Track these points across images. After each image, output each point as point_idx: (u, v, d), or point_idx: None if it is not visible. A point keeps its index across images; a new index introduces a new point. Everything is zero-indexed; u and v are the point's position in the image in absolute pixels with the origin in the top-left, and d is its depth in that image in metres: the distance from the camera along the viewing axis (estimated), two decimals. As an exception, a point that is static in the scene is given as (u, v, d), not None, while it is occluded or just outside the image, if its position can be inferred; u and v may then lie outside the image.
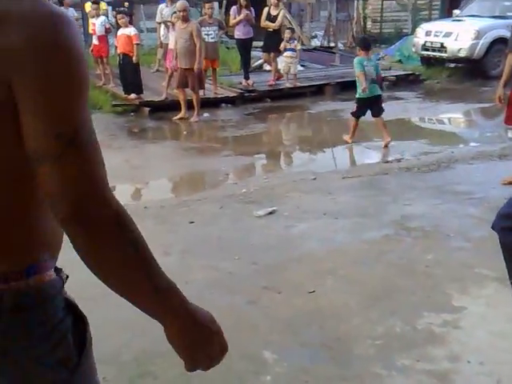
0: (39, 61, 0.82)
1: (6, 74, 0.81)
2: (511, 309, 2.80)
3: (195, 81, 8.21)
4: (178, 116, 8.41)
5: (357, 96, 6.93)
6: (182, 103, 8.40)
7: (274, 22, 10.38)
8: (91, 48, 10.55)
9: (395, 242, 3.84)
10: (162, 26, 10.20)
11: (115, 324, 2.79)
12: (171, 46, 9.06)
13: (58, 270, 1.00)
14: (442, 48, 11.99)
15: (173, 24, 9.05)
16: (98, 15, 10.30)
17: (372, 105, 6.76)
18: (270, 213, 4.47)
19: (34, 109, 0.83)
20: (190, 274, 3.37)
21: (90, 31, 10.63)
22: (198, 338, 1.00)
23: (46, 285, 0.96)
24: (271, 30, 10.42)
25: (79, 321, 1.00)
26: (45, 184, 0.85)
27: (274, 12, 10.42)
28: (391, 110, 9.50)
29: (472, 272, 3.26)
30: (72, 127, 0.85)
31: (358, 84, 6.81)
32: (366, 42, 7.33)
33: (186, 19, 8.26)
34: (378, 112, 6.78)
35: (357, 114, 6.89)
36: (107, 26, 10.43)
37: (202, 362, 1.03)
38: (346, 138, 7.02)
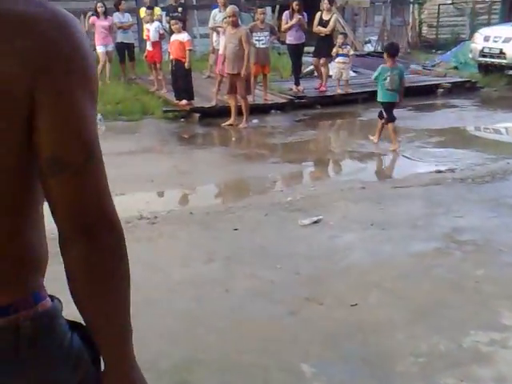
0: (62, 62, 0.81)
1: (29, 74, 0.79)
2: None
3: (243, 86, 8.24)
4: (228, 122, 8.46)
5: (378, 99, 7.31)
6: (232, 109, 8.45)
7: (325, 26, 10.31)
8: (145, 54, 10.78)
9: (445, 255, 3.71)
10: (215, 31, 10.31)
11: (155, 332, 2.81)
12: (221, 51, 9.15)
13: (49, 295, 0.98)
14: (501, 54, 11.59)
15: (224, 29, 9.14)
16: (152, 21, 10.51)
17: (387, 110, 7.08)
18: (316, 222, 4.41)
19: (60, 112, 0.81)
20: (231, 282, 3.37)
21: (145, 37, 10.84)
22: None
23: (51, 309, 0.93)
24: (323, 34, 10.35)
25: (86, 334, 0.96)
26: (59, 194, 0.83)
27: (326, 17, 10.35)
28: (445, 117, 9.28)
29: (525, 290, 3.11)
30: (93, 136, 0.84)
31: (379, 87, 7.16)
32: (394, 49, 7.46)
33: (235, 24, 8.30)
34: (390, 118, 7.09)
35: (382, 116, 7.21)
36: (161, 31, 10.62)
37: None
38: (393, 147, 7.11)
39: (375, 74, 7.25)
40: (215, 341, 2.72)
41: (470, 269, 3.46)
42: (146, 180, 5.85)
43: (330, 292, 3.22)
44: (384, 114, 7.12)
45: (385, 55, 7.35)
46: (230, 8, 8.37)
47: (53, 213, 0.85)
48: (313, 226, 4.34)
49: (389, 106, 7.12)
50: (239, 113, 8.41)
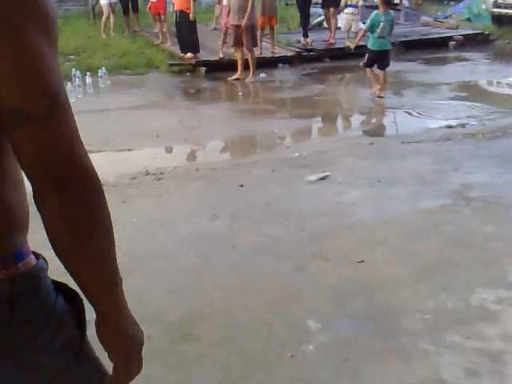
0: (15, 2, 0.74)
1: None
2: None
3: (249, 38, 8.02)
4: (234, 76, 8.30)
5: (369, 47, 7.34)
6: (239, 62, 8.26)
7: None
8: (149, 5, 10.52)
9: (453, 212, 3.66)
10: None
11: (161, 286, 2.81)
12: (225, 2, 8.92)
13: (33, 252, 0.93)
14: (516, 5, 11.23)
15: None
16: (155, -28, 10.21)
17: (380, 58, 7.21)
18: (322, 178, 4.36)
19: (13, 57, 0.73)
20: (237, 239, 3.35)
21: (149, -11, 10.57)
22: (131, 342, 0.95)
23: (35, 268, 0.90)
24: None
25: (72, 298, 0.94)
26: (25, 147, 0.77)
27: (334, -34, 10.02)
28: (457, 71, 9.08)
29: (534, 247, 3.07)
30: (56, 81, 0.78)
31: (370, 35, 7.27)
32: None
33: None
34: (383, 65, 7.24)
35: (368, 64, 7.34)
36: (165, -18, 10.33)
37: (133, 368, 0.97)
38: (377, 92, 7.28)
39: (369, 22, 7.23)
40: (220, 296, 2.72)
41: (478, 226, 3.41)
42: (151, 135, 5.78)
43: (337, 248, 3.20)
44: (365, 59, 7.32)
45: (378, 1, 7.35)
46: None
47: (22, 168, 0.80)
48: (320, 183, 4.29)
49: (384, 54, 7.22)
50: (246, 66, 8.24)
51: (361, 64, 7.62)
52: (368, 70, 7.42)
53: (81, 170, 0.80)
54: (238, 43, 8.16)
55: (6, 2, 0.74)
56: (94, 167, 0.82)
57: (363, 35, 7.63)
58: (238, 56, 8.31)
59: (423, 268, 2.94)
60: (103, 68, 8.28)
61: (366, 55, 7.37)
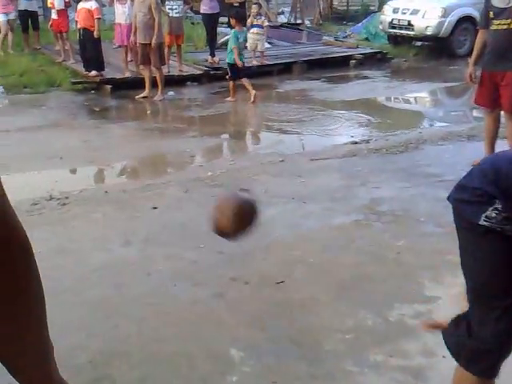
0: None
1: None
2: (484, 298, 2.73)
3: (156, 56, 7.92)
4: (142, 94, 8.11)
5: (229, 61, 8.09)
6: (147, 81, 8.11)
7: (238, -5, 10.15)
8: (50, 23, 10.10)
9: (365, 227, 3.74)
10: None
11: (69, 324, 2.60)
12: (118, 20, 8.81)
13: None
14: (410, 26, 11.91)
15: None
16: (56, -12, 9.83)
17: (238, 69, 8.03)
18: (237, 197, 4.30)
19: None
20: (152, 265, 3.21)
21: (49, 5, 10.13)
22: None
23: None
24: (236, 4, 10.16)
25: None
26: None
27: (238, -14, 10.17)
28: (358, 88, 9.43)
29: (445, 259, 3.17)
30: None
31: (230, 53, 8.01)
32: (241, 14, 8.63)
33: None
34: (244, 75, 8.16)
35: (233, 77, 8.11)
36: (67, 0, 9.96)
37: None
38: (230, 99, 8.16)
39: (233, 39, 7.94)
40: (135, 330, 2.56)
41: (390, 240, 3.50)
42: (54, 157, 5.48)
43: (255, 270, 3.14)
44: (229, 72, 8.08)
45: (233, 21, 8.15)
46: None
47: None
48: (234, 202, 4.23)
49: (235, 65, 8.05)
50: (154, 84, 8.09)
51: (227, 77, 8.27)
52: (232, 82, 8.18)
53: (9, 229, 0.71)
54: (145, 61, 8.02)
55: None
56: (19, 224, 0.73)
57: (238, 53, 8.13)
58: (145, 74, 8.16)
59: (341, 285, 2.95)
60: (0, 87, 7.80)
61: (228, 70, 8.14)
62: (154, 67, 8.02)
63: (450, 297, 2.80)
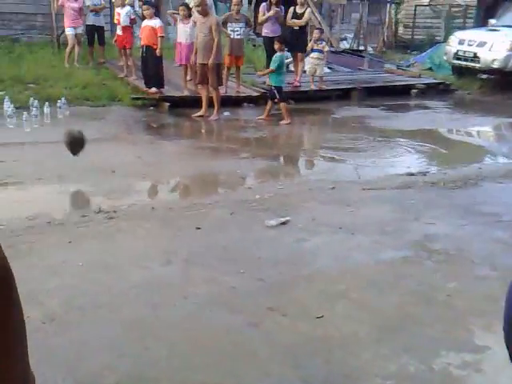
0: None
1: None
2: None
3: (214, 77, 8.00)
4: (198, 113, 8.19)
5: (275, 84, 8.23)
6: (203, 100, 8.19)
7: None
8: (115, 38, 10.40)
9: (415, 265, 3.55)
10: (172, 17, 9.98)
11: (101, 342, 2.57)
12: (179, 39, 8.96)
13: None
14: (475, 58, 11.59)
15: (180, 17, 8.94)
16: (123, 5, 10.13)
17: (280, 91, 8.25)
18: (283, 223, 4.21)
19: None
20: (190, 287, 3.14)
21: (115, 21, 10.46)
22: None
23: None
24: (297, 28, 10.17)
25: None
26: None
27: (299, 10, 10.20)
28: (418, 118, 9.20)
29: (498, 306, 2.93)
30: None
31: (277, 76, 8.17)
32: (285, 39, 8.69)
33: (205, 13, 8.02)
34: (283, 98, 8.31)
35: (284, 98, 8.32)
36: (132, 16, 10.25)
37: None
38: (285, 122, 8.20)
39: (277, 63, 8.05)
40: (166, 354, 2.49)
41: (441, 281, 3.30)
42: (107, 170, 5.56)
43: (295, 301, 3.02)
44: (277, 95, 8.16)
45: (278, 45, 8.20)
46: None
47: None
48: (280, 228, 4.14)
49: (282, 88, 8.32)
50: (211, 104, 8.15)
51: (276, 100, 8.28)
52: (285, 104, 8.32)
53: None
54: (203, 81, 8.10)
55: None
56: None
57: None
58: (202, 94, 8.25)
59: (384, 326, 2.79)
60: (63, 98, 8.05)
61: (276, 93, 8.19)
62: (211, 87, 8.09)
63: (501, 347, 2.59)
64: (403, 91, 11.14)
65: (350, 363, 2.46)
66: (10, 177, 5.23)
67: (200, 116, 8.16)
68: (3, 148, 6.25)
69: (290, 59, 11.32)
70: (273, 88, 8.23)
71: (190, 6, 9.75)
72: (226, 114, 8.58)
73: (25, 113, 7.19)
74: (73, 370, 2.37)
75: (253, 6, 15.03)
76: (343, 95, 10.56)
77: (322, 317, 2.85)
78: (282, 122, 8.22)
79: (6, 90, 8.66)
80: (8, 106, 7.30)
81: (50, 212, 4.35)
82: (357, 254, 3.72)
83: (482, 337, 2.69)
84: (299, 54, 10.45)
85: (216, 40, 7.91)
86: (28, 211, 4.32)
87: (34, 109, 7.44)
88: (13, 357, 0.69)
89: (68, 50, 10.80)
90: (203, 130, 7.83)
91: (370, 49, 16.55)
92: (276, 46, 8.25)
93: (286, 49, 8.82)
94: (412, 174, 5.86)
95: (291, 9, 10.25)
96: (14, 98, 7.96)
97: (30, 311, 2.82)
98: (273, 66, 8.12)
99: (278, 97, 8.16)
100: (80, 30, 10.83)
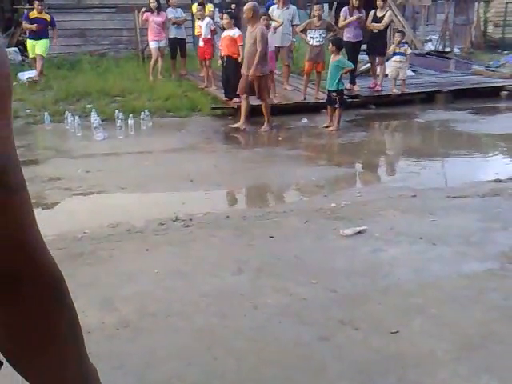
0: None
1: None
2: None
3: (261, 87, 7.76)
4: (236, 125, 8.01)
5: (342, 88, 8.18)
6: (243, 111, 7.95)
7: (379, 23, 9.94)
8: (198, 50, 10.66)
9: (500, 278, 3.31)
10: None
11: (172, 349, 2.58)
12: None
13: None
14: None
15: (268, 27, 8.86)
16: (203, 17, 10.35)
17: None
18: (359, 232, 4.08)
19: None
20: (260, 297, 3.10)
21: (196, 33, 10.71)
22: None
23: None
24: (376, 31, 9.94)
25: None
26: None
27: (380, 13, 9.97)
28: (508, 122, 8.68)
29: None
30: (1, 161, 0.59)
31: (339, 78, 7.99)
32: (338, 42, 8.36)
33: (252, 22, 7.73)
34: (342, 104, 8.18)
35: (343, 105, 8.15)
36: (212, 27, 10.44)
37: None
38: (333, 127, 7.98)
39: (341, 68, 8.00)
40: (234, 365, 2.46)
41: (529, 296, 3.06)
42: (185, 179, 5.67)
43: (368, 315, 2.90)
44: (337, 100, 7.99)
45: (333, 49, 8.03)
46: (247, 4, 7.90)
47: None
48: (355, 237, 4.01)
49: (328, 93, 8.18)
50: (288, 112, 8.09)
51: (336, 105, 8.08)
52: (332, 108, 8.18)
53: (34, 265, 0.63)
54: (245, 91, 7.89)
55: None
56: (54, 263, 0.65)
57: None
58: (242, 105, 8.02)
59: (464, 344, 2.61)
60: (146, 110, 8.33)
61: (339, 97, 8.06)
62: (258, 99, 7.91)
63: None
64: (492, 93, 10.58)
65: (425, 383, 2.31)
66: (94, 186, 5.46)
67: (237, 128, 7.97)
68: (89, 159, 6.54)
69: (369, 64, 11.08)
70: (333, 94, 8.02)
71: (274, 14, 9.79)
72: (304, 120, 8.52)
73: (110, 125, 7.50)
74: (142, 377, 2.40)
75: (333, 11, 14.88)
76: (428, 98, 10.19)
77: (396, 332, 2.71)
78: (331, 129, 7.96)
79: (93, 102, 9.10)
80: (95, 119, 7.64)
81: (130, 220, 4.48)
82: (437, 266, 3.52)
83: None
84: (379, 57, 10.21)
85: (259, 50, 7.56)
86: (110, 219, 4.48)
87: (119, 121, 7.76)
88: (70, 371, 0.69)
89: (152, 63, 11.18)
90: (280, 138, 7.80)
91: (456, 50, 15.89)
92: (331, 50, 8.06)
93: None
94: (500, 181, 5.52)
95: (371, 12, 10.05)
96: (101, 111, 8.33)
97: (105, 317, 2.90)
98: (341, 70, 7.96)
99: (338, 102, 7.99)
100: (163, 44, 11.18)
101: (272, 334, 2.72)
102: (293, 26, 9.99)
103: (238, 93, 8.25)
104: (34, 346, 0.65)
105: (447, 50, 15.64)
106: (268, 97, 8.12)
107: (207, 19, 10.38)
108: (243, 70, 7.90)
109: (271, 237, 4.01)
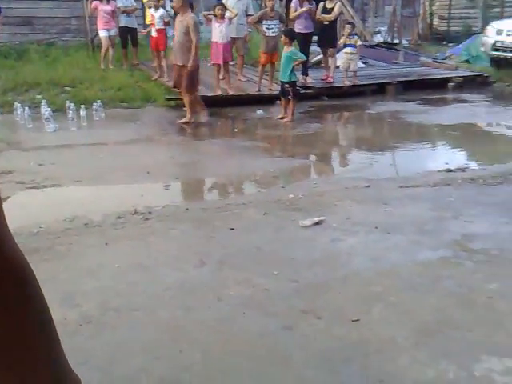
0: None
1: None
2: None
3: (187, 80, 7.43)
4: (182, 120, 7.79)
5: (295, 79, 8.25)
6: (187, 104, 7.69)
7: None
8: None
9: (454, 265, 3.45)
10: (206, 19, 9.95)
11: (137, 344, 2.57)
12: (214, 39, 8.86)
13: None
14: (515, 48, 11.24)
15: (215, 16, 8.84)
16: (156, 7, 10.20)
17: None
18: (317, 223, 4.16)
19: None
20: (223, 289, 3.13)
21: (148, 22, 10.55)
22: None
23: None
24: (326, 23, 10.06)
25: None
26: None
27: (329, 5, 10.09)
28: (456, 113, 8.98)
29: (542, 309, 2.85)
30: None
31: (292, 70, 8.07)
32: (293, 34, 8.57)
33: (182, 11, 7.36)
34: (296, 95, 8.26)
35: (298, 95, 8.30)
36: (166, 19, 10.31)
37: None
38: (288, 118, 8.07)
39: (300, 55, 8.23)
40: (200, 357, 2.48)
41: (481, 282, 3.20)
42: (142, 171, 5.61)
43: (330, 304, 2.97)
44: (290, 91, 8.02)
45: (286, 39, 8.08)
46: None
47: None
48: (314, 228, 4.09)
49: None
50: (245, 103, 8.10)
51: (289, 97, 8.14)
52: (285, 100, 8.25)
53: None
54: (178, 84, 7.67)
55: None
56: (17, 250, 0.62)
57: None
58: (185, 99, 7.77)
59: (423, 329, 2.71)
60: (98, 101, 8.16)
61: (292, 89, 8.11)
62: (182, 91, 7.62)
63: (548, 354, 2.49)
64: (440, 85, 10.91)
65: (386, 368, 2.40)
66: (47, 179, 5.33)
67: (185, 123, 7.76)
68: (42, 151, 6.38)
69: (321, 56, 11.21)
70: (286, 85, 8.06)
71: (229, 3, 9.73)
72: (259, 112, 8.55)
73: (61, 116, 7.32)
74: (108, 372, 2.39)
75: (284, 2, 14.94)
76: (378, 90, 10.41)
77: (357, 320, 2.79)
78: (285, 120, 8.02)
79: (43, 93, 8.85)
80: (45, 110, 7.44)
81: (87, 214, 4.41)
82: (394, 255, 3.64)
83: (526, 341, 2.59)
84: (330, 49, 10.34)
85: (194, 41, 7.26)
86: (66, 213, 4.39)
87: (71, 111, 7.58)
88: (42, 365, 0.67)
89: (102, 52, 10.96)
90: (236, 130, 7.81)
91: (404, 42, 16.27)
92: (283, 41, 8.08)
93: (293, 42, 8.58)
94: (450, 171, 5.72)
95: (321, 4, 10.16)
96: (51, 101, 8.12)
97: (67, 313, 2.86)
98: (293, 62, 8.02)
99: (291, 94, 8.03)
100: (113, 33, 10.96)
101: (237, 325, 2.75)
102: (247, 16, 9.99)
103: (174, 87, 7.98)
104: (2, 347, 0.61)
105: (396, 41, 15.99)
106: (196, 90, 7.82)
107: (161, 10, 10.24)
108: (175, 61, 7.59)
109: (231, 228, 4.03)
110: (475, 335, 2.64)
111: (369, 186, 5.18)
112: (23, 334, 0.63)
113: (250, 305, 2.96)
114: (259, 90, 9.36)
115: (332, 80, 10.32)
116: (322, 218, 4.23)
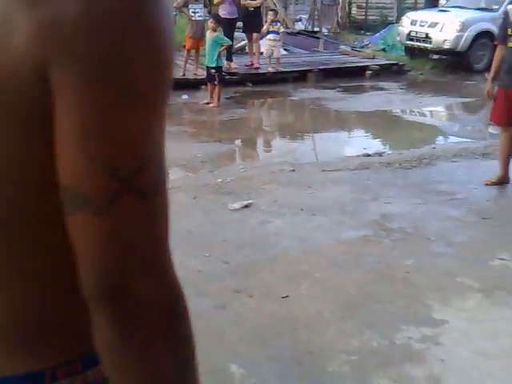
0: (97, 39, 0.50)
1: (43, 60, 0.50)
2: (494, 325, 2.66)
3: None
4: None
5: (221, 65, 8.35)
6: None
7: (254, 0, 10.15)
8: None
9: (374, 243, 3.68)
10: None
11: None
12: None
13: None
14: (427, 38, 11.81)
15: None
16: None
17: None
18: (246, 206, 4.27)
19: (79, 122, 0.51)
20: (156, 272, 3.17)
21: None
22: None
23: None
24: (251, 9, 10.14)
25: None
26: (77, 239, 0.54)
27: (254, -10, 10.16)
28: (373, 100, 9.37)
29: (454, 281, 3.12)
30: (136, 161, 0.54)
31: (218, 55, 8.13)
32: (219, 18, 8.70)
33: None
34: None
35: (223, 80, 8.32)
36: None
37: None
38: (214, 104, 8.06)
39: (219, 44, 8.16)
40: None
41: (399, 258, 3.44)
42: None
43: (260, 283, 3.10)
44: (217, 77, 8.04)
45: (214, 25, 8.20)
46: None
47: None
48: (243, 211, 4.20)
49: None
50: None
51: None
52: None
53: (160, 288, 0.56)
54: None
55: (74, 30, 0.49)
56: (179, 284, 0.60)
57: None
58: None
59: (347, 303, 2.90)
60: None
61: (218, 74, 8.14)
62: None
63: (458, 321, 2.74)
64: (358, 73, 11.30)
65: (315, 341, 2.55)
66: None
67: None
68: None
69: (245, 42, 11.29)
70: (211, 71, 8.08)
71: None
72: (185, 97, 8.53)
73: None
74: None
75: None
76: (300, 77, 10.63)
77: (287, 297, 2.93)
78: (211, 105, 8.09)
79: None
80: None
81: None
82: (318, 235, 3.82)
83: (440, 311, 2.83)
84: (254, 34, 10.42)
85: None
86: None
87: None
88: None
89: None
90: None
91: (324, 30, 16.63)
92: (211, 26, 8.19)
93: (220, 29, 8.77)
94: (368, 155, 6.00)
95: (245, -11, 10.22)
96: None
97: None
98: (219, 47, 8.11)
99: (218, 79, 8.06)
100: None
101: (171, 307, 2.81)
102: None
103: None
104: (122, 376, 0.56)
105: (316, 29, 16.33)
106: None
107: None
108: None
109: (161, 213, 4.05)
110: (395, 307, 2.86)
111: (293, 170, 5.35)
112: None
113: (184, 285, 2.98)
114: (184, 75, 9.31)
115: (259, 66, 10.43)
116: (250, 201, 4.34)
